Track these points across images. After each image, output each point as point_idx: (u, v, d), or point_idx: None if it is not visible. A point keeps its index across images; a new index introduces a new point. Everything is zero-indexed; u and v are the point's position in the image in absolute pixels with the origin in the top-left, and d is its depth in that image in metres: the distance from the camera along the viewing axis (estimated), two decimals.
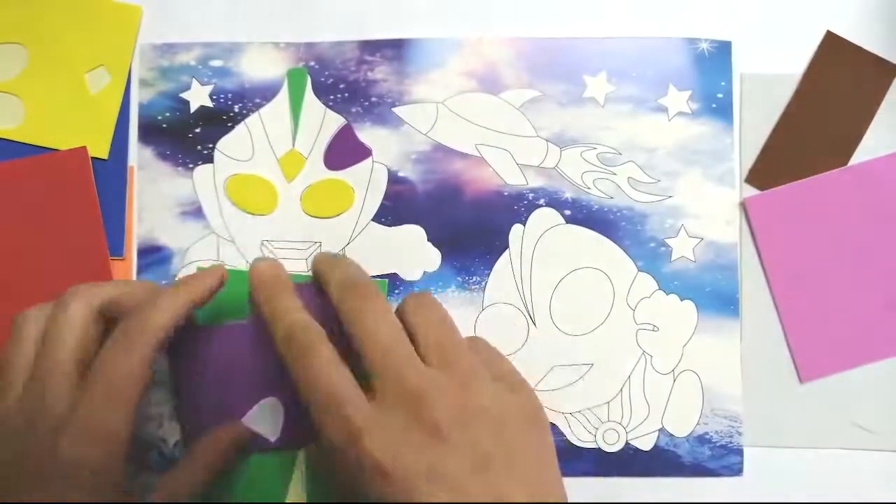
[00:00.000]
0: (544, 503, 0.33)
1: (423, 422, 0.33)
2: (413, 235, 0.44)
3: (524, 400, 0.36)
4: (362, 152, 0.45)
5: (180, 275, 0.44)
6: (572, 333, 0.44)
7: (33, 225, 0.44)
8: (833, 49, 0.45)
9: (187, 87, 0.45)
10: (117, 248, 0.44)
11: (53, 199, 0.44)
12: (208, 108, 0.45)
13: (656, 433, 0.44)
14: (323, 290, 0.38)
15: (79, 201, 0.44)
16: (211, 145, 0.45)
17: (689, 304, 0.44)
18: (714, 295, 0.44)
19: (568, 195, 0.45)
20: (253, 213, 0.44)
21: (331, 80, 0.45)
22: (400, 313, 0.37)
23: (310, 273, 0.44)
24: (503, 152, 0.45)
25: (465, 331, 0.44)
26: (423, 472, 0.32)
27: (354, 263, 0.39)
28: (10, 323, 0.37)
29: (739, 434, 0.44)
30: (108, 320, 0.37)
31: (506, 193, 0.45)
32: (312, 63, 0.45)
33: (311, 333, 0.36)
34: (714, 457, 0.44)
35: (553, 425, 0.44)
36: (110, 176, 0.45)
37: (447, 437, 0.33)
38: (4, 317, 0.38)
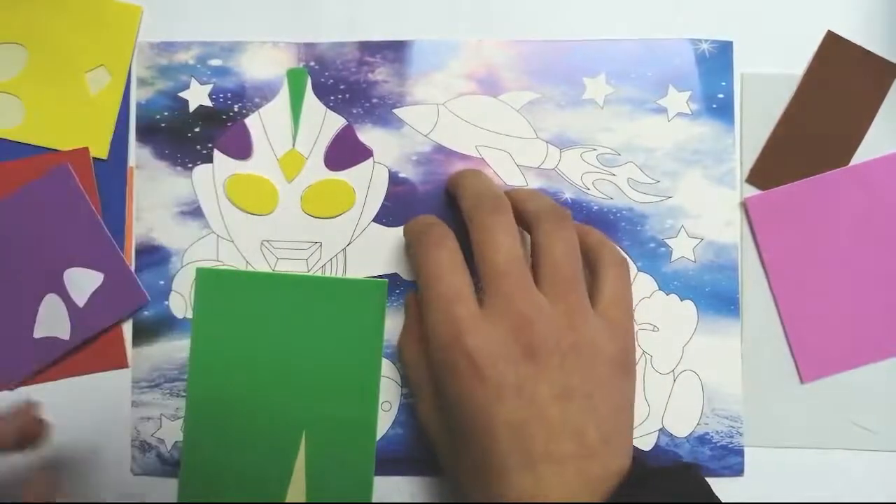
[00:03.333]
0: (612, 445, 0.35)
1: (522, 342, 0.35)
2: None
3: (619, 346, 0.37)
4: (363, 153, 0.45)
5: (178, 276, 0.44)
6: None
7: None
8: (834, 49, 0.45)
9: (186, 87, 0.45)
10: None
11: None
12: (208, 107, 0.45)
13: (656, 433, 0.44)
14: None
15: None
16: (210, 145, 0.45)
17: (689, 305, 0.44)
18: (714, 295, 0.44)
19: (568, 196, 0.45)
20: (253, 213, 0.44)
21: (331, 80, 0.45)
22: (531, 228, 0.39)
23: (310, 273, 0.44)
24: (503, 154, 0.45)
25: None
26: (513, 385, 0.34)
27: (489, 179, 0.42)
28: None
29: (740, 434, 0.44)
30: None
31: None
32: (312, 63, 0.45)
33: (443, 229, 0.39)
34: (715, 457, 0.44)
35: None
36: (110, 176, 0.45)
37: (541, 362, 0.35)
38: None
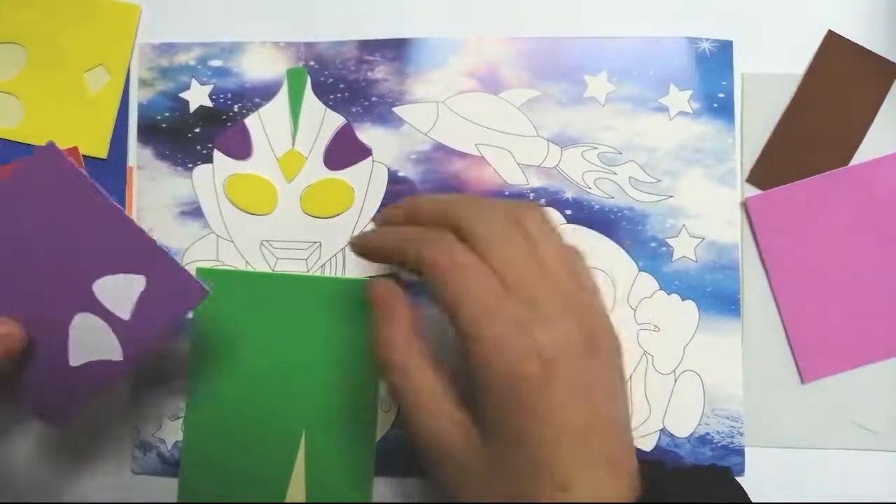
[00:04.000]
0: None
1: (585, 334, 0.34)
2: None
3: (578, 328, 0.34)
4: (362, 152, 0.45)
5: None
6: None
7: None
8: (834, 49, 0.45)
9: (187, 87, 0.45)
10: None
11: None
12: (208, 107, 0.45)
13: (657, 434, 0.44)
14: None
15: None
16: (210, 145, 0.45)
17: (690, 305, 0.44)
18: (715, 295, 0.44)
19: (569, 195, 0.45)
20: (253, 213, 0.44)
21: (331, 79, 0.45)
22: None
23: (310, 273, 0.44)
24: (504, 152, 0.45)
25: None
26: (582, 384, 0.33)
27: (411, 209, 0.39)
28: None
29: (741, 434, 0.44)
30: None
31: (506, 193, 0.44)
32: (312, 63, 0.45)
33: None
34: (715, 457, 0.43)
35: None
36: (110, 176, 0.45)
37: (601, 355, 0.34)
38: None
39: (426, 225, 0.36)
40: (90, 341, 0.37)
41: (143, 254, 0.37)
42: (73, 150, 0.44)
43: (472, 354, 0.32)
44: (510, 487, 0.32)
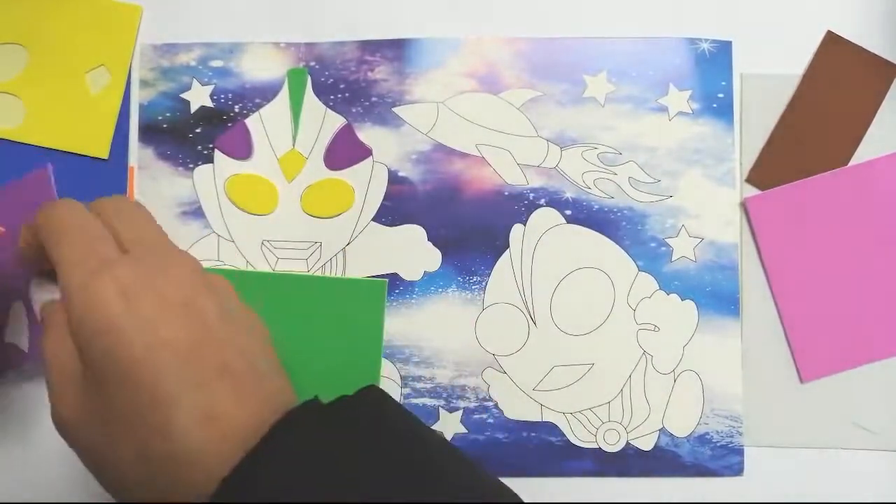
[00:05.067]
0: None
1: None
2: (413, 235, 0.44)
3: None
4: (362, 152, 0.45)
5: None
6: (573, 333, 0.44)
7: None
8: (833, 49, 0.45)
9: (188, 88, 0.45)
10: None
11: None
12: (209, 108, 0.45)
13: (657, 433, 0.44)
14: None
15: None
16: (211, 145, 0.45)
17: (689, 304, 0.44)
18: (714, 295, 0.44)
19: (568, 195, 0.45)
20: (253, 213, 0.44)
21: (331, 80, 0.45)
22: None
23: (310, 273, 0.44)
24: (504, 152, 0.45)
25: (466, 331, 0.44)
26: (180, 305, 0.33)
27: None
28: None
29: (740, 434, 0.44)
30: None
31: (506, 193, 0.45)
32: (313, 63, 0.45)
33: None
34: (715, 457, 0.44)
35: (553, 425, 0.44)
36: (110, 176, 0.45)
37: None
38: None
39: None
40: (14, 326, 0.43)
41: None
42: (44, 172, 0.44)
43: (68, 306, 0.32)
44: (118, 424, 0.31)
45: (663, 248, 0.44)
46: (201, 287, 0.33)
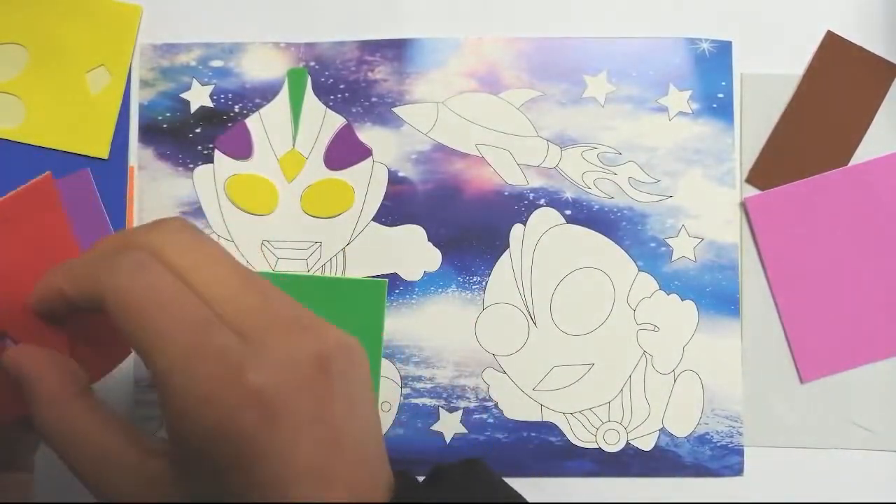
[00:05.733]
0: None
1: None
2: (413, 235, 0.44)
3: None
4: (362, 152, 0.45)
5: None
6: (573, 333, 0.44)
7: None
8: (833, 49, 0.45)
9: (188, 88, 0.45)
10: None
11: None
12: (209, 108, 0.45)
13: (657, 433, 0.44)
14: None
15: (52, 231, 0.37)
16: (211, 145, 0.45)
17: (689, 304, 0.44)
18: (714, 295, 0.44)
19: (568, 195, 0.45)
20: (253, 213, 0.44)
21: (331, 80, 0.45)
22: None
23: (310, 273, 0.44)
24: (503, 152, 0.45)
25: (466, 331, 0.44)
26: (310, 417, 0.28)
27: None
28: None
29: (740, 434, 0.44)
30: None
31: (506, 193, 0.45)
32: (312, 63, 0.45)
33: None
34: (715, 457, 0.44)
35: (553, 425, 0.44)
36: (110, 176, 0.45)
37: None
38: None
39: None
40: None
41: None
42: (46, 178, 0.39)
43: (168, 401, 0.27)
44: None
45: (663, 248, 0.44)
46: (343, 389, 0.28)
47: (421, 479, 0.31)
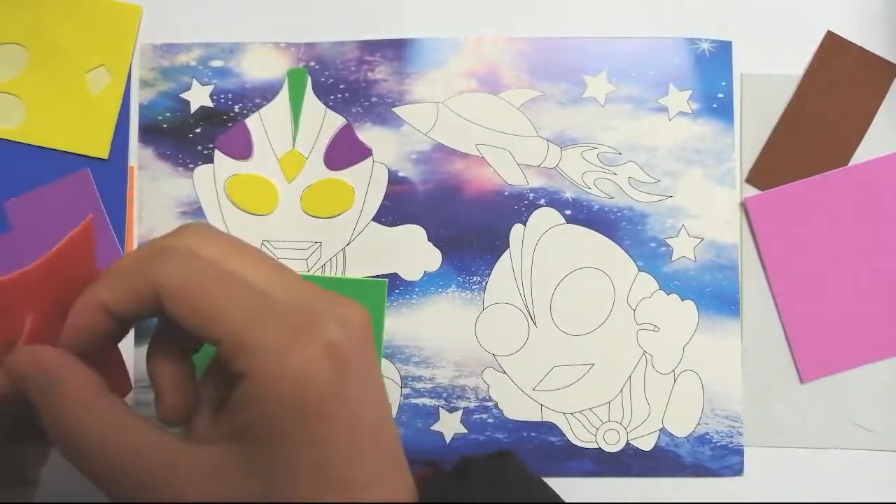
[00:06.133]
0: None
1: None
2: (413, 235, 0.44)
3: None
4: (362, 152, 0.45)
5: None
6: (573, 333, 0.44)
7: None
8: (833, 49, 0.45)
9: (188, 88, 0.45)
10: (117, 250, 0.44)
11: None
12: (209, 108, 0.45)
13: (657, 433, 0.44)
14: None
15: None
16: (211, 145, 0.45)
17: (689, 304, 0.44)
18: (714, 295, 0.44)
19: (568, 195, 0.45)
20: (253, 213, 0.44)
21: (331, 80, 0.45)
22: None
23: (310, 273, 0.44)
24: (503, 152, 0.45)
25: (466, 331, 0.44)
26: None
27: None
28: None
29: (740, 434, 0.44)
30: None
31: (506, 193, 0.45)
32: (312, 63, 0.45)
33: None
34: (715, 457, 0.44)
35: (553, 425, 0.44)
36: (110, 176, 0.45)
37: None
38: None
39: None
40: None
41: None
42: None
43: (247, 361, 0.27)
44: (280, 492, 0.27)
45: (663, 248, 0.44)
46: (371, 349, 0.29)
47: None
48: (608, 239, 0.44)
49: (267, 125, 0.45)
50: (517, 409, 0.44)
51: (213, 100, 0.45)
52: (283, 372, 0.26)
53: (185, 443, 0.28)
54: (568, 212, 0.45)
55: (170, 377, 0.31)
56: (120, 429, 0.28)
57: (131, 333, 0.44)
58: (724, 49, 0.45)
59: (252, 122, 0.45)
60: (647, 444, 0.44)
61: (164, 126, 0.45)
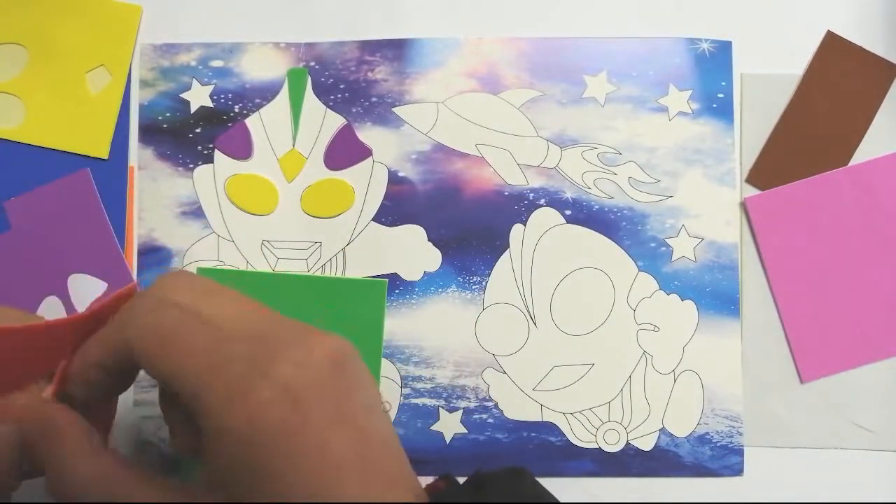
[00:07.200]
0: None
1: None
2: (413, 235, 0.44)
3: None
4: (362, 152, 0.45)
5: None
6: (573, 333, 0.44)
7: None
8: (833, 49, 0.45)
9: (188, 88, 0.45)
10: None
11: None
12: (209, 108, 0.45)
13: (657, 433, 0.44)
14: None
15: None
16: (211, 146, 0.45)
17: (689, 304, 0.44)
18: (715, 295, 0.44)
19: (568, 195, 0.45)
20: (253, 213, 0.44)
21: (331, 80, 0.45)
22: None
23: (310, 273, 0.44)
24: (503, 152, 0.45)
25: (466, 331, 0.44)
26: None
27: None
28: None
29: (740, 434, 0.44)
30: None
31: (506, 193, 0.45)
32: (313, 63, 0.45)
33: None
34: (715, 457, 0.44)
35: (553, 425, 0.44)
36: (110, 176, 0.45)
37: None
38: None
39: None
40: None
41: (114, 269, 0.44)
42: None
43: (202, 414, 0.27)
44: None
45: (663, 248, 0.44)
46: (359, 388, 0.29)
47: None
48: (608, 239, 0.44)
49: (267, 125, 0.45)
50: (517, 409, 0.44)
51: (213, 100, 0.45)
52: (232, 422, 0.26)
53: (174, 492, 0.29)
54: (568, 212, 0.45)
55: (179, 415, 0.31)
56: (109, 477, 0.29)
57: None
58: (724, 49, 0.45)
59: (252, 122, 0.45)
60: (647, 444, 0.44)
61: (164, 126, 0.45)
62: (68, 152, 0.44)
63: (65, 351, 0.32)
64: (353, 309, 0.43)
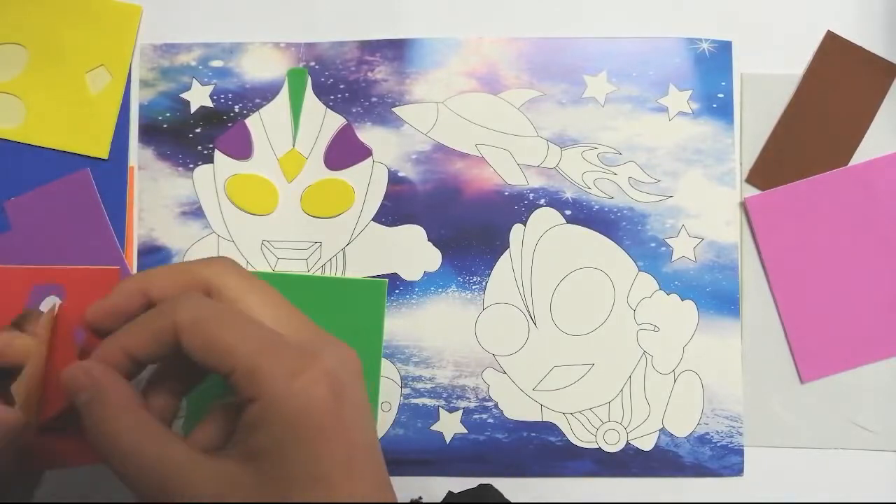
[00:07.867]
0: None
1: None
2: (413, 235, 0.44)
3: None
4: (362, 152, 0.45)
5: None
6: (573, 333, 0.44)
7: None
8: (833, 49, 0.45)
9: (188, 88, 0.45)
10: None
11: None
12: (209, 108, 0.45)
13: (657, 433, 0.44)
14: None
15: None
16: (211, 146, 0.45)
17: (689, 304, 0.44)
18: (715, 295, 0.44)
19: (568, 195, 0.45)
20: (253, 213, 0.44)
21: (331, 80, 0.45)
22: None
23: (310, 273, 0.44)
24: (503, 152, 0.45)
25: (466, 331, 0.44)
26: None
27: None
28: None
29: (740, 434, 0.44)
30: None
31: (506, 193, 0.45)
32: (313, 63, 0.45)
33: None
34: (715, 457, 0.44)
35: (553, 425, 0.44)
36: (110, 176, 0.45)
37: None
38: None
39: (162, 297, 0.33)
40: None
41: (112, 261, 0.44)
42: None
43: (261, 386, 0.30)
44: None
45: (663, 248, 0.44)
46: (362, 385, 0.33)
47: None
48: (608, 239, 0.44)
49: (267, 125, 0.45)
50: (517, 409, 0.44)
51: (213, 100, 0.45)
52: (289, 394, 0.30)
53: (205, 455, 0.31)
54: (568, 212, 0.45)
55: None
56: (148, 434, 0.31)
57: None
58: (724, 49, 0.45)
59: (252, 122, 0.45)
60: (647, 444, 0.44)
61: (164, 126, 0.45)
62: (68, 152, 0.44)
63: (22, 298, 0.34)
64: (353, 309, 0.43)
